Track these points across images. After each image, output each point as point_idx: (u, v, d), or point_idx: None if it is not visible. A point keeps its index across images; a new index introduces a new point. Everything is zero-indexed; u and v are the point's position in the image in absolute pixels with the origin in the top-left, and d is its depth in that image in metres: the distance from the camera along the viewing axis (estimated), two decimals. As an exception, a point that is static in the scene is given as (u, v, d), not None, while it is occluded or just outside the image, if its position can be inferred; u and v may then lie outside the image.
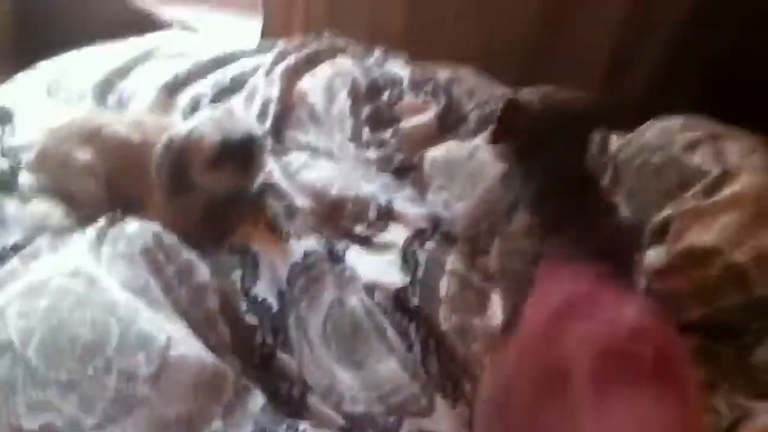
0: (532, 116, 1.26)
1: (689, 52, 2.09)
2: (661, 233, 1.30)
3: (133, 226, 1.21)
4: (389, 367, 1.12)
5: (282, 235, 1.28)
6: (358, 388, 1.10)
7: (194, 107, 1.56)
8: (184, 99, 1.59)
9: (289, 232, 1.29)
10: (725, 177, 1.30)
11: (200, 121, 1.26)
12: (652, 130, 1.48)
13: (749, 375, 1.15)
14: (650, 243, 1.31)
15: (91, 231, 1.22)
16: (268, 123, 1.54)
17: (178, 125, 1.32)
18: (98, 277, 1.11)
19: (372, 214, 1.40)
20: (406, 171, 1.52)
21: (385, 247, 1.33)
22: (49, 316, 1.04)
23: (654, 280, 1.25)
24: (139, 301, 1.09)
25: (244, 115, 1.55)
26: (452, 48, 2.05)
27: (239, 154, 1.25)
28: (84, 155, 1.32)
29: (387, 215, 1.40)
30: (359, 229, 1.38)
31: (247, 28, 2.36)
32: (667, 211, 1.32)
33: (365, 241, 1.35)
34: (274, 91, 1.60)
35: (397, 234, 1.35)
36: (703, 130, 1.42)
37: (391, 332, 1.17)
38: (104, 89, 1.59)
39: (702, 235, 1.24)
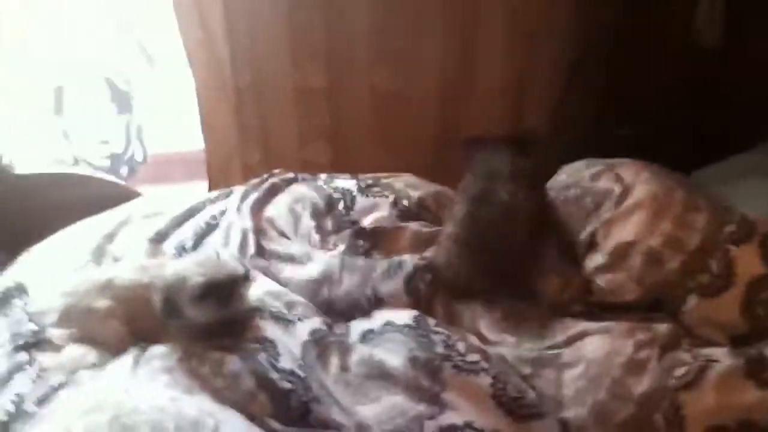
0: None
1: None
2: (591, 244, 1.65)
3: (160, 348, 1.43)
4: (395, 398, 1.35)
5: (287, 323, 1.51)
6: (380, 415, 1.31)
7: (180, 253, 1.80)
8: (169, 247, 1.82)
9: (293, 321, 1.52)
10: (626, 191, 1.68)
11: (185, 266, 1.50)
12: (563, 174, 1.86)
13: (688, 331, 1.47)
14: (585, 253, 1.65)
15: (126, 358, 1.42)
16: (251, 248, 1.78)
17: (172, 264, 1.57)
18: (145, 390, 1.32)
19: (364, 305, 1.63)
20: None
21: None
22: (113, 425, 1.22)
23: (600, 277, 1.59)
24: (184, 397, 1.30)
25: (224, 250, 1.79)
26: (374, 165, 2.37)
27: (221, 290, 1.46)
28: (103, 304, 1.51)
29: (377, 303, 1.63)
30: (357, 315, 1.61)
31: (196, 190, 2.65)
32: (591, 227, 1.68)
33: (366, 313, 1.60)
34: (248, 222, 1.86)
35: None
36: (601, 164, 1.81)
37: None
38: (99, 254, 1.81)
39: (622, 234, 1.61)
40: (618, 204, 1.68)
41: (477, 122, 2.67)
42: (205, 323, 1.46)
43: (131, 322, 1.52)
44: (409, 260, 1.69)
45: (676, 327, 1.48)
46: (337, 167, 2.50)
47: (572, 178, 1.82)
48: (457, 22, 2.58)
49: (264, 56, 2.56)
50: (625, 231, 1.61)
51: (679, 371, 1.35)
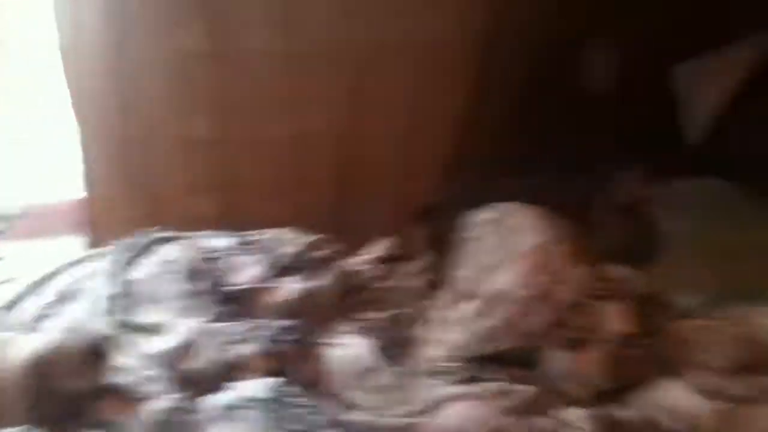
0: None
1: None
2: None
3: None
4: None
5: (136, 401, 1.42)
6: None
7: (36, 320, 1.69)
8: (23, 314, 1.72)
9: (147, 398, 1.44)
10: (511, 240, 1.72)
11: (53, 335, 1.43)
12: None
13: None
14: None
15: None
16: (117, 315, 1.70)
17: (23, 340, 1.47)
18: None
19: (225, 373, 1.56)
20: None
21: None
22: None
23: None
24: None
25: (89, 316, 1.70)
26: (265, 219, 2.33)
27: (94, 355, 1.41)
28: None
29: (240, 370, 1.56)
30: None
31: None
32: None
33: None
34: (112, 288, 1.78)
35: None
36: (491, 211, 1.83)
37: None
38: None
39: (498, 282, 1.65)
40: (496, 251, 1.70)
41: (371, 174, 2.66)
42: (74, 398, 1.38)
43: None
44: (271, 322, 1.65)
45: (540, 389, 1.48)
46: (226, 219, 2.46)
47: (467, 229, 1.84)
48: (347, 69, 2.58)
49: (151, 106, 2.48)
50: (502, 279, 1.63)
51: (535, 436, 1.33)
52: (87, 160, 2.52)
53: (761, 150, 2.46)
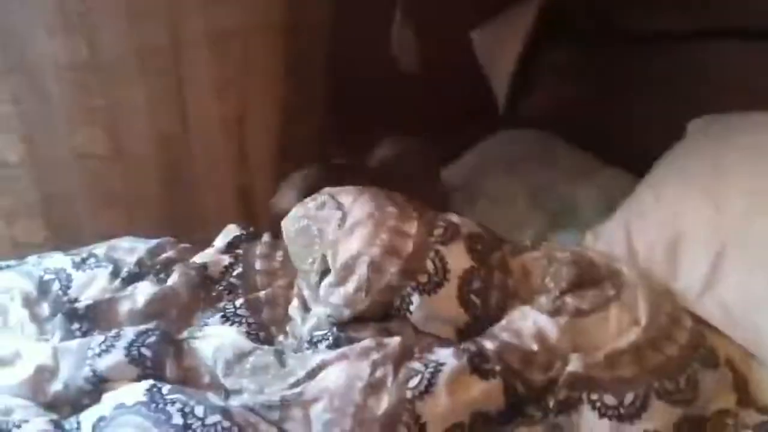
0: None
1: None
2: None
3: None
4: None
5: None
6: None
7: None
8: None
9: (12, 429, 1.36)
10: (345, 214, 1.81)
11: None
12: (295, 208, 1.93)
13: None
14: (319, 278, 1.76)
15: None
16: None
17: None
18: None
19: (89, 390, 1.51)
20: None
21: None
22: None
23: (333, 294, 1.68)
24: None
25: None
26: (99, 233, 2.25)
27: None
28: None
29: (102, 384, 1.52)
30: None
31: None
32: (318, 253, 1.79)
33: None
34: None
35: None
36: (325, 194, 1.92)
37: None
38: None
39: (346, 251, 1.72)
40: (340, 226, 1.78)
41: (203, 165, 2.63)
42: None
43: None
44: (129, 328, 1.62)
45: (406, 338, 1.56)
46: (55, 241, 2.34)
47: (301, 211, 1.90)
48: (159, 70, 2.52)
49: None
50: (349, 248, 1.71)
51: (413, 382, 1.41)
52: None
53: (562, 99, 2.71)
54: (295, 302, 1.80)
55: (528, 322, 1.59)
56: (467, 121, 2.69)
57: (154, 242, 1.99)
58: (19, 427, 1.37)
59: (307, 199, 1.94)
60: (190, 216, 2.65)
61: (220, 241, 2.03)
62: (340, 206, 1.84)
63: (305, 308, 1.77)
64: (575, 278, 1.68)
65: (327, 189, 1.93)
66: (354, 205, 1.82)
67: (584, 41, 2.65)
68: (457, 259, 1.69)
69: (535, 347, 1.53)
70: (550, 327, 1.57)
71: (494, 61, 2.69)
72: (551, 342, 1.54)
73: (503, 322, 1.61)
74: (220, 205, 2.66)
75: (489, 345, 1.51)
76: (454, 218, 1.81)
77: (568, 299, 1.63)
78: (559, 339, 1.55)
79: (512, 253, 1.80)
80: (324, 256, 1.76)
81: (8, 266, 1.90)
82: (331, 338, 1.61)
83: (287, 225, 1.90)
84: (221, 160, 2.70)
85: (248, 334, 1.68)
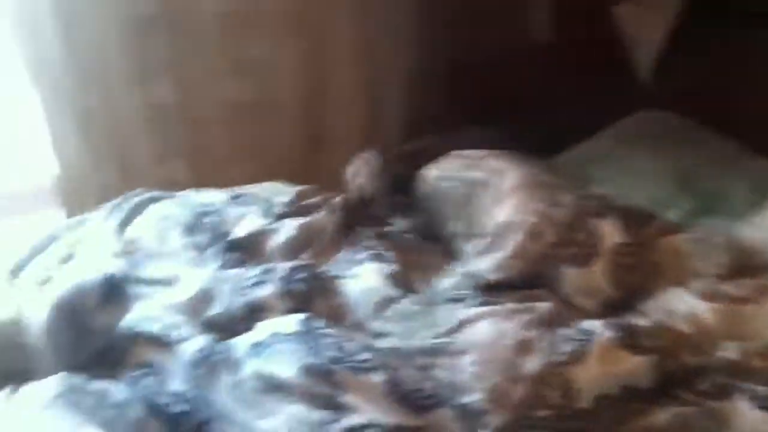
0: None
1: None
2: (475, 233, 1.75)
3: (34, 385, 1.32)
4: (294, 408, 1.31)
5: (168, 345, 1.43)
6: (280, 428, 1.27)
7: (44, 282, 1.66)
8: (31, 274, 1.69)
9: (176, 342, 1.44)
10: (498, 179, 1.80)
11: (72, 273, 1.41)
12: (434, 169, 1.92)
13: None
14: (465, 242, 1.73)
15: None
16: (118, 272, 1.67)
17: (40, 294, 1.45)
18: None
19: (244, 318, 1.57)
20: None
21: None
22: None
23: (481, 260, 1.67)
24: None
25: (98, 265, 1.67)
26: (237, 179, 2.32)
27: (117, 288, 1.41)
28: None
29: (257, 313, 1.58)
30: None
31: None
32: (468, 216, 1.78)
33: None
34: (111, 246, 1.76)
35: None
36: (470, 156, 1.91)
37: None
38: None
39: (500, 216, 1.72)
40: (492, 192, 1.78)
41: (339, 124, 2.68)
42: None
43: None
44: (282, 264, 1.67)
45: (557, 304, 1.55)
46: (198, 185, 2.44)
47: (444, 172, 1.89)
48: (307, 29, 2.59)
49: (111, 76, 2.46)
50: (503, 213, 1.71)
51: (564, 347, 1.41)
52: (54, 135, 2.47)
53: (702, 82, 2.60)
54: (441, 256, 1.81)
55: (681, 305, 1.55)
56: (599, 95, 2.61)
57: (301, 187, 2.04)
58: (183, 341, 1.45)
59: (449, 158, 1.93)
60: (322, 174, 2.70)
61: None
62: (493, 172, 1.83)
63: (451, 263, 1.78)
64: (732, 265, 1.63)
65: (477, 153, 1.92)
66: (507, 171, 1.82)
67: (735, 23, 2.52)
68: (610, 233, 1.67)
69: (688, 330, 1.49)
70: (705, 311, 1.52)
71: (640, 34, 2.61)
72: (706, 326, 1.50)
73: (656, 301, 1.57)
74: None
75: (641, 322, 1.49)
76: (605, 192, 1.78)
77: (725, 286, 1.58)
78: (714, 324, 1.50)
79: (664, 231, 1.76)
80: (472, 220, 1.76)
81: (167, 197, 1.99)
82: (471, 299, 1.61)
83: (433, 185, 1.91)
84: (355, 122, 2.74)
85: (393, 277, 1.69)
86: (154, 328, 1.48)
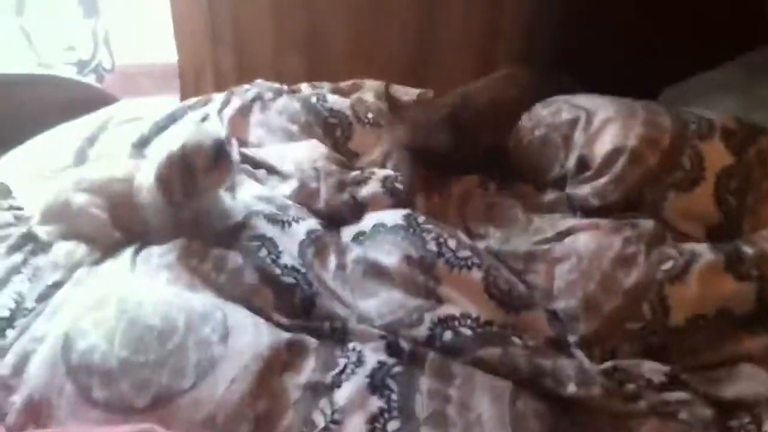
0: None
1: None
2: (581, 167, 1.72)
3: (157, 247, 1.44)
4: (393, 293, 1.39)
5: (283, 224, 1.52)
6: (380, 308, 1.36)
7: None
8: (152, 150, 1.80)
9: (288, 221, 1.53)
10: (590, 115, 1.76)
11: (185, 134, 1.48)
12: (523, 120, 1.88)
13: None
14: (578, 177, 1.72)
15: (122, 256, 1.43)
16: (235, 153, 1.76)
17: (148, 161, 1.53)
18: (147, 286, 1.34)
19: (346, 211, 1.65)
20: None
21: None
22: (121, 318, 1.23)
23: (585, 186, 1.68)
24: (187, 293, 1.32)
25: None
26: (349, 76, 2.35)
27: (225, 153, 1.48)
28: (80, 197, 1.50)
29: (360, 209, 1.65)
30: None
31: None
32: (573, 154, 1.74)
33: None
34: (229, 129, 1.86)
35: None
36: (556, 101, 1.86)
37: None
38: (81, 157, 1.79)
39: (602, 147, 1.69)
40: (587, 126, 1.74)
41: (452, 41, 2.67)
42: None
43: (113, 215, 1.51)
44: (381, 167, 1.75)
45: (660, 224, 1.54)
46: (312, 78, 2.48)
47: (533, 121, 1.86)
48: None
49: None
50: (604, 143, 1.68)
51: (666, 265, 1.41)
52: (176, 21, 2.55)
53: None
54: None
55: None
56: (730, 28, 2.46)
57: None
58: (295, 222, 1.54)
59: (535, 108, 1.88)
60: (433, 79, 2.70)
61: None
62: (581, 108, 1.79)
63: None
64: None
65: (559, 96, 1.87)
66: (597, 104, 1.78)
67: None
68: (715, 155, 1.62)
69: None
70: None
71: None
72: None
73: (765, 232, 1.52)
74: (462, 71, 2.68)
75: (747, 249, 1.45)
76: (706, 113, 1.72)
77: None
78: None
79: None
80: (579, 157, 1.73)
81: (291, 92, 2.06)
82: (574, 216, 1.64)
83: (521, 137, 1.86)
84: (470, 29, 2.70)
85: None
86: (268, 207, 1.58)
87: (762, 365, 1.32)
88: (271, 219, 1.53)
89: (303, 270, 1.41)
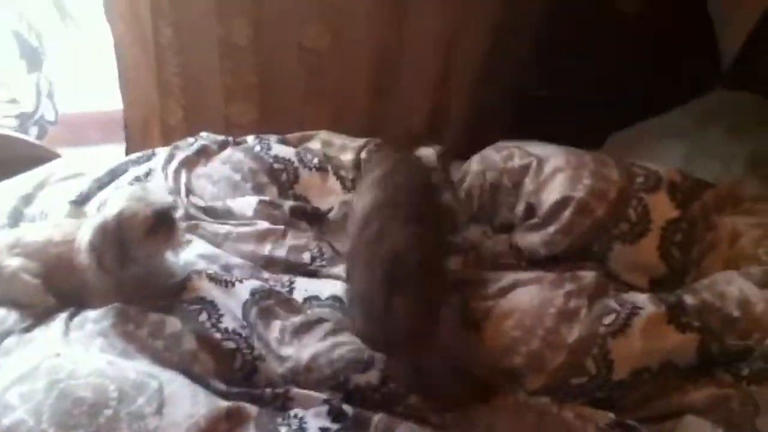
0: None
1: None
2: (529, 214, 1.74)
3: (92, 312, 1.40)
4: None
5: (226, 284, 1.49)
6: (330, 352, 1.34)
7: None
8: (92, 210, 1.75)
9: (232, 281, 1.50)
10: (541, 162, 1.79)
11: (124, 200, 1.43)
12: (473, 163, 1.91)
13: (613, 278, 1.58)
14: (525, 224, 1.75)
15: (55, 323, 1.38)
16: (180, 209, 1.72)
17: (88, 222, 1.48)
18: (80, 354, 1.29)
19: (315, 253, 1.64)
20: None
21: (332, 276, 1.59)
22: (50, 391, 1.19)
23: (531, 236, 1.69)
24: (122, 361, 1.28)
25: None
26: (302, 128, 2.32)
27: (166, 220, 1.44)
28: (13, 261, 1.45)
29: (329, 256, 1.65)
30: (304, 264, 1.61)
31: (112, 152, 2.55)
32: (522, 202, 1.77)
33: (312, 274, 1.60)
34: (176, 183, 1.82)
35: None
36: (509, 146, 1.90)
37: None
38: (16, 216, 1.73)
39: (550, 196, 1.71)
40: (538, 174, 1.77)
41: (408, 80, 2.67)
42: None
43: (48, 280, 1.46)
44: None
45: (601, 276, 1.55)
46: (262, 128, 2.46)
47: (484, 164, 1.88)
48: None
49: (187, 11, 2.45)
50: (553, 192, 1.71)
51: (608, 319, 1.42)
52: (122, 67, 2.50)
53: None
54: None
55: (734, 288, 1.51)
56: (681, 69, 2.53)
57: (362, 141, 2.05)
58: (239, 282, 1.51)
59: (486, 152, 1.91)
60: (388, 124, 2.70)
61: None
62: (532, 156, 1.82)
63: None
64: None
65: (509, 142, 1.91)
66: (548, 152, 1.81)
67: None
68: (661, 208, 1.65)
69: (737, 314, 1.46)
70: (758, 298, 1.48)
71: (730, 15, 2.50)
72: (756, 313, 1.46)
73: (706, 281, 1.54)
74: (416, 119, 2.70)
75: (689, 300, 1.47)
76: (652, 165, 1.75)
77: (779, 273, 1.54)
78: (765, 312, 1.47)
79: (718, 202, 1.70)
80: (525, 205, 1.76)
81: (236, 143, 2.03)
82: (519, 268, 1.63)
83: (472, 181, 1.88)
84: (426, 78, 2.71)
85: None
86: (212, 267, 1.55)
87: (706, 416, 1.32)
88: (214, 279, 1.49)
89: (245, 333, 1.38)
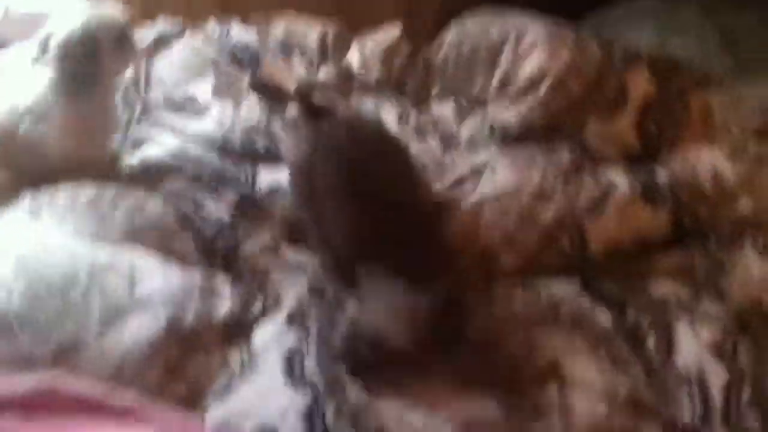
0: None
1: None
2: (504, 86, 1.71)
3: (65, 190, 1.35)
4: None
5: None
6: None
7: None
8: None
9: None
10: (520, 35, 1.75)
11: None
12: (450, 34, 1.83)
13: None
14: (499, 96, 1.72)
15: (21, 204, 1.33)
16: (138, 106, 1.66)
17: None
18: (49, 235, 1.26)
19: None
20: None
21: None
22: (18, 273, 1.16)
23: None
24: (94, 241, 1.26)
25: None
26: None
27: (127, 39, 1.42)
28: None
29: None
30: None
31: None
32: (498, 72, 1.73)
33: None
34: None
35: None
36: (488, 16, 1.83)
37: None
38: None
39: (526, 70, 1.70)
40: (516, 47, 1.73)
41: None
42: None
43: (14, 165, 1.41)
44: None
45: (578, 150, 1.55)
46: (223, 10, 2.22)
47: (461, 36, 1.81)
48: None
49: None
50: (530, 66, 1.68)
51: (583, 197, 1.42)
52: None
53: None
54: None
55: (705, 162, 1.53)
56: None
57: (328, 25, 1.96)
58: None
59: (465, 22, 1.84)
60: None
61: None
62: (511, 27, 1.77)
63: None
64: (762, 127, 1.59)
65: (489, 12, 1.83)
66: (527, 25, 1.76)
67: None
68: (639, 85, 1.65)
69: (708, 187, 1.48)
70: (728, 170, 1.51)
71: None
72: (726, 185, 1.49)
73: (678, 156, 1.55)
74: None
75: (662, 176, 1.48)
76: (632, 43, 1.76)
77: (751, 146, 1.55)
78: (735, 183, 1.49)
79: (695, 83, 1.71)
80: (503, 77, 1.72)
81: (193, 30, 1.91)
82: (493, 146, 1.60)
83: (448, 50, 1.82)
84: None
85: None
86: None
87: (674, 279, 1.36)
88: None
89: (227, 221, 1.37)
